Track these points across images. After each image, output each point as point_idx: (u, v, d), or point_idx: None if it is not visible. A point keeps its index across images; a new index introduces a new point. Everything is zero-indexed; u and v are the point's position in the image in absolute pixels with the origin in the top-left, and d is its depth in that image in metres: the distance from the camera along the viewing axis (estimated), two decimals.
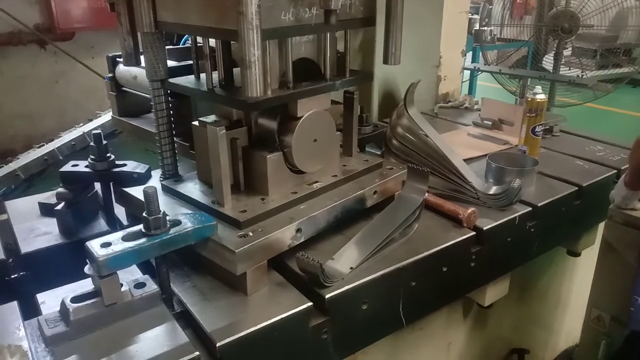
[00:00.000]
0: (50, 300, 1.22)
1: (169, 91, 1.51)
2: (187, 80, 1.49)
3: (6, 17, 4.91)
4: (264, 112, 1.44)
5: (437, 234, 1.58)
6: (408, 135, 1.84)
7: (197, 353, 1.09)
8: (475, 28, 5.06)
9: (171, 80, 1.48)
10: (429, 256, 1.49)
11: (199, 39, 1.49)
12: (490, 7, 5.33)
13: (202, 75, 1.47)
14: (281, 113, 1.43)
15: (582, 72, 4.74)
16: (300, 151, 1.42)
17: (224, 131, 1.30)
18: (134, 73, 1.76)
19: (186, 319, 1.25)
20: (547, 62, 5.02)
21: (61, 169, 1.61)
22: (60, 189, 1.61)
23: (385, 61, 1.55)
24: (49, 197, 1.74)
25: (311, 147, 1.46)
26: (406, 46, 2.62)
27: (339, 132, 1.61)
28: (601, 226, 1.94)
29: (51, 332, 1.10)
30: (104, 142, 1.59)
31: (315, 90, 1.43)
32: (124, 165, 1.61)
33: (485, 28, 5.14)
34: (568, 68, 4.92)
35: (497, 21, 5.26)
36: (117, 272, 1.12)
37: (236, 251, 1.22)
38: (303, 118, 1.39)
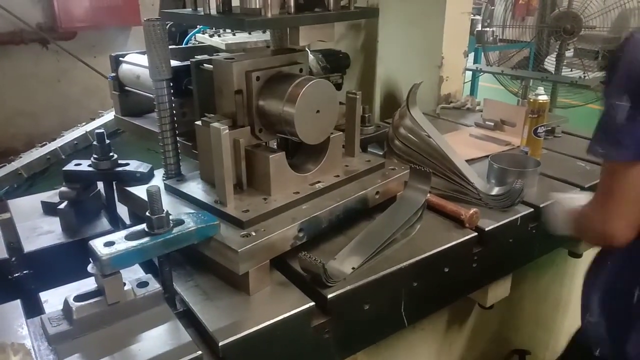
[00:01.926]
0: (53, 299, 1.22)
1: (172, 90, 1.51)
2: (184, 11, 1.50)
3: (8, 16, 4.92)
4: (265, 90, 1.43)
5: (439, 235, 1.58)
6: (410, 135, 1.85)
7: (200, 352, 1.09)
8: (477, 29, 5.06)
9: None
10: (431, 257, 1.50)
11: None
12: (493, 8, 5.33)
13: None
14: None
15: (584, 73, 4.74)
16: (303, 122, 1.39)
17: (227, 131, 1.31)
18: (137, 72, 1.76)
19: (189, 318, 1.25)
20: (549, 63, 5.03)
21: (64, 168, 1.61)
22: (63, 188, 1.62)
23: None
24: (51, 196, 1.74)
25: (314, 118, 1.43)
26: (408, 47, 2.64)
27: (341, 105, 1.59)
28: None
29: (54, 330, 1.10)
30: (107, 141, 1.59)
31: (316, 17, 1.40)
32: (127, 164, 1.62)
33: (488, 29, 5.13)
34: (570, 69, 4.93)
35: (499, 22, 5.26)
36: (120, 271, 1.12)
37: (239, 251, 1.22)
38: (305, 87, 1.37)
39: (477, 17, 5.16)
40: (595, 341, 1.29)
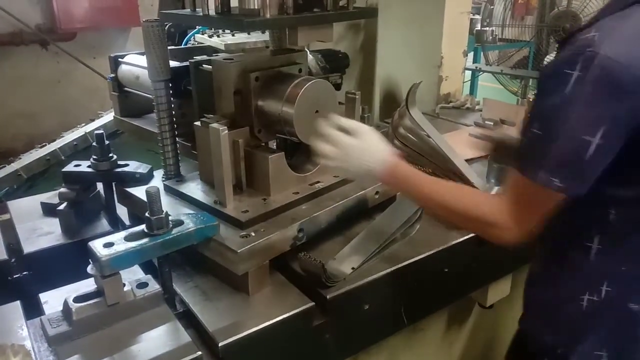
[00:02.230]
0: (52, 300, 1.22)
1: (171, 91, 1.51)
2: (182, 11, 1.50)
3: (8, 17, 4.91)
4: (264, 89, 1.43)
5: (438, 235, 1.58)
6: (410, 135, 1.84)
7: (200, 353, 1.09)
8: (476, 28, 5.05)
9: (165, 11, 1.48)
10: (431, 256, 1.50)
11: None
12: (492, 7, 5.32)
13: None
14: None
15: None
16: (302, 122, 1.39)
17: (226, 131, 1.31)
18: (136, 73, 1.76)
19: (188, 319, 1.25)
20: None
21: (64, 169, 1.61)
22: (63, 189, 1.62)
23: None
24: (51, 197, 1.74)
25: (313, 118, 1.41)
26: (408, 46, 2.64)
27: (340, 105, 1.59)
28: None
29: (54, 331, 1.10)
30: (107, 142, 1.59)
31: (315, 18, 1.40)
32: (126, 165, 1.62)
33: (487, 28, 5.13)
34: None
35: (498, 21, 5.26)
36: (120, 272, 1.13)
37: (238, 251, 1.22)
38: (305, 87, 1.37)
39: (477, 16, 5.16)
40: (540, 351, 1.22)
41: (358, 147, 1.26)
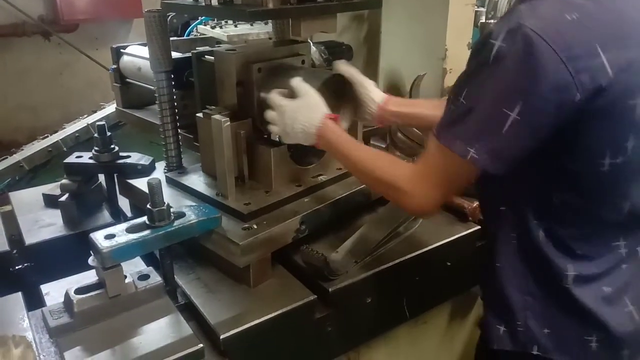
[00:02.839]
0: (54, 292, 1.22)
1: (173, 82, 1.50)
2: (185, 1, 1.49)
3: (10, 8, 4.90)
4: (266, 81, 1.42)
5: (441, 228, 1.57)
6: (413, 128, 1.83)
7: (201, 345, 1.09)
8: (481, 21, 5.02)
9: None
10: (433, 250, 1.49)
11: None
12: None
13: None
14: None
15: None
16: None
17: (229, 123, 1.30)
18: (138, 64, 1.75)
19: (190, 311, 1.25)
20: None
21: (65, 161, 1.61)
22: (65, 181, 1.61)
23: None
24: (53, 188, 1.74)
25: None
26: (412, 39, 2.62)
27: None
28: None
29: (55, 323, 1.10)
30: (108, 133, 1.59)
31: (319, 8, 1.39)
32: (128, 157, 1.61)
33: (492, 21, 5.09)
34: None
35: (502, 14, 5.23)
36: (121, 263, 1.12)
37: (240, 244, 1.21)
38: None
39: (481, 9, 5.12)
40: (531, 339, 1.17)
41: (293, 107, 1.28)
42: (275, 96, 1.31)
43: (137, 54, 1.76)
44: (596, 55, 0.92)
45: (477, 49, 1.01)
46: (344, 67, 1.44)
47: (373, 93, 1.47)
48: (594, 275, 1.12)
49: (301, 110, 1.28)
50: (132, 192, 1.58)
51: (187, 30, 2.21)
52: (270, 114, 1.31)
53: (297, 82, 1.31)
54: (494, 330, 1.22)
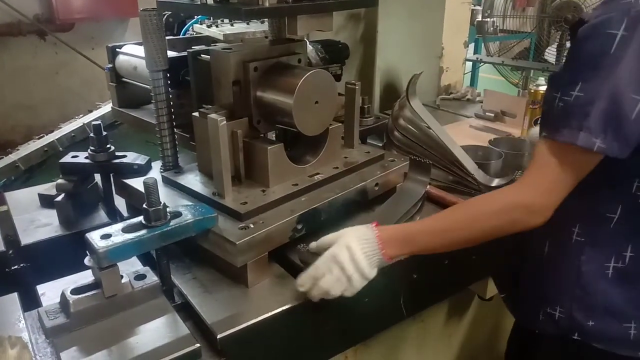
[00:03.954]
0: (50, 292, 1.21)
1: (169, 82, 1.50)
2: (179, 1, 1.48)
3: (6, 8, 4.88)
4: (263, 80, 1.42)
5: None
6: (410, 127, 1.83)
7: (198, 345, 1.09)
8: (477, 19, 5.02)
9: None
10: None
11: None
12: None
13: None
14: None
15: None
16: (301, 113, 1.37)
17: (225, 122, 1.29)
18: (134, 63, 1.74)
19: (187, 311, 1.24)
20: (550, 54, 4.98)
21: (61, 160, 1.60)
22: (60, 180, 1.61)
23: None
24: (49, 188, 1.73)
25: (312, 109, 1.41)
26: (408, 37, 2.62)
27: (340, 96, 1.58)
28: None
29: (51, 323, 1.10)
30: (104, 133, 1.58)
31: (315, 6, 1.38)
32: (124, 156, 1.60)
33: (488, 19, 5.09)
34: None
35: (499, 12, 5.22)
36: (118, 263, 1.12)
37: (237, 243, 1.21)
38: (304, 78, 1.35)
39: (478, 7, 5.12)
40: (573, 327, 1.22)
41: (344, 248, 1.15)
42: (313, 268, 1.18)
43: (133, 53, 1.76)
44: None
45: (591, 40, 1.00)
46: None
47: None
48: None
49: (351, 243, 1.16)
50: (128, 192, 1.58)
51: (183, 29, 2.21)
52: (316, 277, 1.17)
53: (314, 244, 1.24)
54: (534, 315, 1.27)
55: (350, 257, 1.14)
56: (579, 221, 1.18)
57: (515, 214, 1.09)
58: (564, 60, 1.14)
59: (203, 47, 1.58)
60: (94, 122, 1.59)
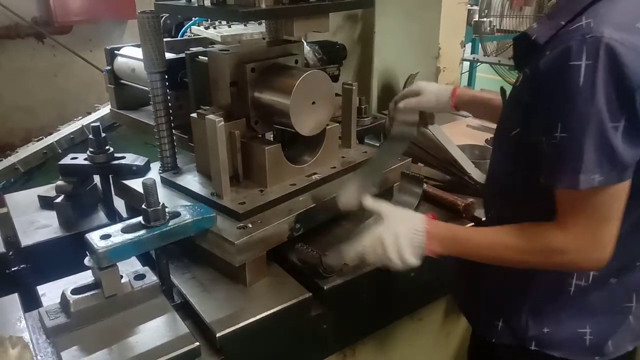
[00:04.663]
0: (50, 292, 1.22)
1: (167, 83, 1.51)
2: (178, 2, 1.50)
3: (4, 10, 4.88)
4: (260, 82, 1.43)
5: None
6: None
7: (197, 343, 1.10)
8: (474, 19, 5.04)
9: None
10: None
11: None
12: None
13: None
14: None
15: None
16: (299, 113, 1.38)
17: (223, 123, 1.30)
18: (132, 65, 1.75)
19: (186, 310, 1.25)
20: None
21: (60, 162, 1.61)
22: (60, 182, 1.62)
23: None
24: (48, 190, 1.74)
25: (309, 110, 1.41)
26: (406, 38, 2.63)
27: (337, 96, 1.59)
28: None
29: (52, 323, 1.11)
30: (103, 134, 1.59)
31: (311, 8, 1.38)
32: (123, 157, 1.61)
33: (485, 19, 5.11)
34: None
35: (496, 12, 5.24)
36: (117, 263, 1.13)
37: (235, 242, 1.22)
38: (301, 78, 1.36)
39: (475, 7, 5.14)
40: (530, 336, 1.20)
41: (391, 231, 1.15)
42: (371, 237, 1.17)
43: (131, 55, 1.77)
44: None
45: (555, 76, 0.97)
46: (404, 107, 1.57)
47: (437, 103, 1.55)
48: (604, 276, 1.13)
49: (399, 228, 1.15)
50: (127, 193, 1.59)
51: (181, 31, 2.22)
52: (361, 253, 1.17)
53: (370, 202, 1.22)
54: (491, 325, 1.24)
55: (395, 244, 1.14)
56: None
57: (562, 257, 1.05)
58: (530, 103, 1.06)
59: (201, 48, 1.59)
60: (92, 124, 1.60)
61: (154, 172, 1.60)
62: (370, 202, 1.23)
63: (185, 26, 2.23)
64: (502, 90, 1.28)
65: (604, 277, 1.14)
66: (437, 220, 1.20)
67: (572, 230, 1.03)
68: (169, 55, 1.54)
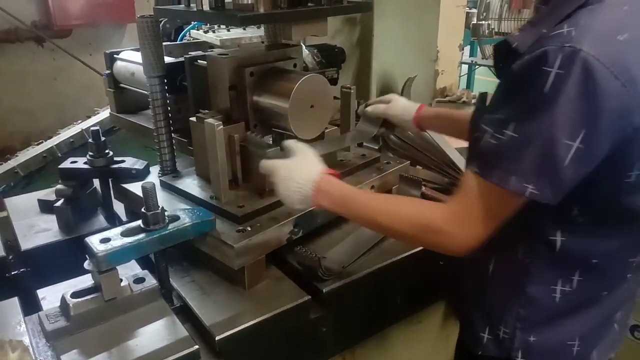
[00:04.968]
0: (50, 296, 1.23)
1: (166, 87, 1.52)
2: (177, 7, 1.50)
3: (3, 14, 4.89)
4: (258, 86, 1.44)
5: None
6: None
7: (197, 347, 1.10)
8: (473, 22, 5.05)
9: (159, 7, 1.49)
10: (427, 249, 1.50)
11: None
12: (489, 1, 5.32)
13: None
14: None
15: None
16: (297, 117, 1.38)
17: (222, 126, 1.31)
18: (132, 69, 1.76)
19: (185, 314, 1.26)
20: None
21: (60, 166, 1.61)
22: (60, 186, 1.62)
23: None
24: (48, 193, 1.74)
25: (308, 113, 1.42)
26: (404, 40, 2.64)
27: (336, 99, 1.60)
28: None
29: (52, 327, 1.11)
30: (103, 138, 1.59)
31: (309, 12, 1.39)
32: (123, 161, 1.62)
33: (483, 22, 5.13)
34: None
35: (495, 15, 5.26)
36: (117, 267, 1.13)
37: (235, 246, 1.22)
38: (299, 82, 1.36)
39: (473, 10, 5.16)
40: (517, 348, 1.17)
41: (286, 166, 1.20)
42: (269, 160, 1.24)
43: (131, 59, 1.77)
44: None
45: (524, 76, 0.94)
46: (370, 111, 1.60)
47: (403, 114, 1.60)
48: (596, 290, 1.12)
49: (295, 168, 1.19)
50: (126, 197, 1.59)
51: (181, 35, 2.23)
52: (268, 170, 1.23)
53: (289, 142, 1.27)
54: (477, 336, 1.22)
55: (285, 183, 1.19)
56: (522, 242, 1.12)
57: (436, 236, 1.05)
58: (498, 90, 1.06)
59: (200, 52, 1.60)
60: (92, 128, 1.60)
61: (154, 176, 1.61)
62: (290, 141, 1.28)
63: (185, 30, 2.24)
64: (482, 94, 1.28)
65: (596, 291, 1.12)
66: (333, 178, 1.19)
67: (457, 215, 1.02)
68: (168, 59, 1.55)
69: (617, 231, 1.07)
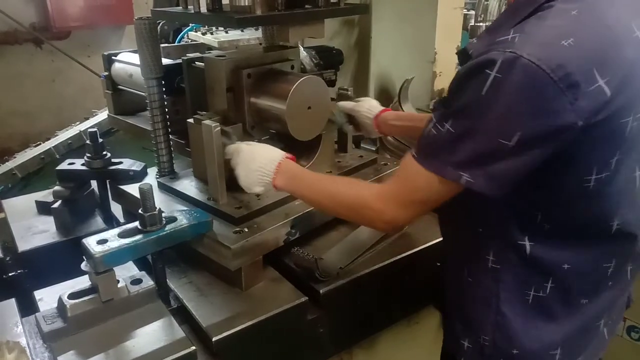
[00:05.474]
0: (47, 297, 1.23)
1: (164, 89, 1.52)
2: (174, 9, 1.51)
3: (2, 16, 4.90)
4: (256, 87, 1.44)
5: (431, 228, 1.58)
6: None
7: (194, 348, 1.10)
8: (470, 24, 5.06)
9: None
10: (424, 250, 1.51)
11: None
12: (487, 2, 5.33)
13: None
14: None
15: None
16: (294, 118, 1.39)
17: (219, 128, 1.31)
18: (130, 71, 1.76)
19: (182, 315, 1.26)
20: None
21: (58, 167, 1.62)
22: (57, 187, 1.62)
23: None
24: (45, 195, 1.74)
25: (305, 115, 1.43)
26: (401, 42, 2.65)
27: (333, 100, 1.61)
28: None
29: (49, 328, 1.11)
30: (100, 140, 1.60)
31: (306, 14, 1.40)
32: (120, 163, 1.62)
33: (481, 24, 5.13)
34: None
35: (493, 17, 5.26)
36: (114, 268, 1.13)
37: (232, 247, 1.23)
38: (296, 84, 1.37)
39: (471, 12, 5.16)
40: (498, 356, 1.16)
41: (250, 149, 1.28)
42: (230, 145, 1.32)
43: (129, 61, 1.77)
44: (594, 81, 0.89)
45: (468, 77, 0.95)
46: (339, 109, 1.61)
47: (367, 112, 1.59)
48: (574, 298, 1.11)
49: (257, 151, 1.27)
50: (124, 198, 1.59)
51: (179, 37, 2.23)
52: (232, 160, 1.31)
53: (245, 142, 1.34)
54: (459, 344, 1.23)
55: (245, 165, 1.26)
56: (491, 248, 1.12)
57: (365, 212, 1.12)
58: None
59: (197, 54, 1.60)
60: (90, 130, 1.60)
61: (151, 177, 1.61)
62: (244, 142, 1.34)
63: (183, 32, 2.24)
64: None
65: (574, 298, 1.12)
66: (291, 161, 1.28)
67: (389, 194, 1.08)
68: (165, 61, 1.55)
69: (586, 239, 1.07)
